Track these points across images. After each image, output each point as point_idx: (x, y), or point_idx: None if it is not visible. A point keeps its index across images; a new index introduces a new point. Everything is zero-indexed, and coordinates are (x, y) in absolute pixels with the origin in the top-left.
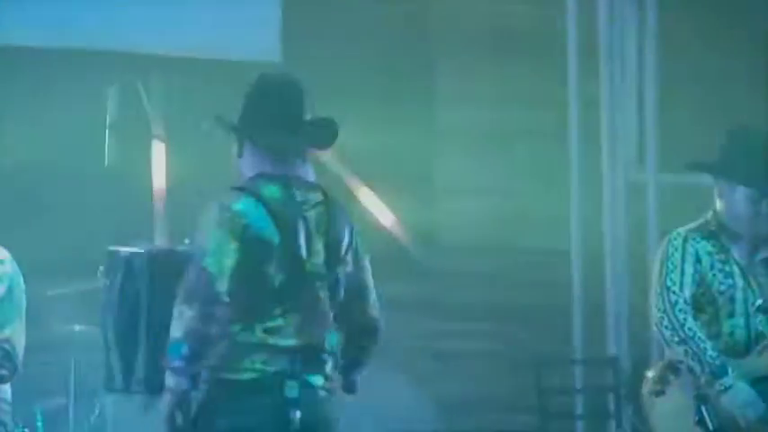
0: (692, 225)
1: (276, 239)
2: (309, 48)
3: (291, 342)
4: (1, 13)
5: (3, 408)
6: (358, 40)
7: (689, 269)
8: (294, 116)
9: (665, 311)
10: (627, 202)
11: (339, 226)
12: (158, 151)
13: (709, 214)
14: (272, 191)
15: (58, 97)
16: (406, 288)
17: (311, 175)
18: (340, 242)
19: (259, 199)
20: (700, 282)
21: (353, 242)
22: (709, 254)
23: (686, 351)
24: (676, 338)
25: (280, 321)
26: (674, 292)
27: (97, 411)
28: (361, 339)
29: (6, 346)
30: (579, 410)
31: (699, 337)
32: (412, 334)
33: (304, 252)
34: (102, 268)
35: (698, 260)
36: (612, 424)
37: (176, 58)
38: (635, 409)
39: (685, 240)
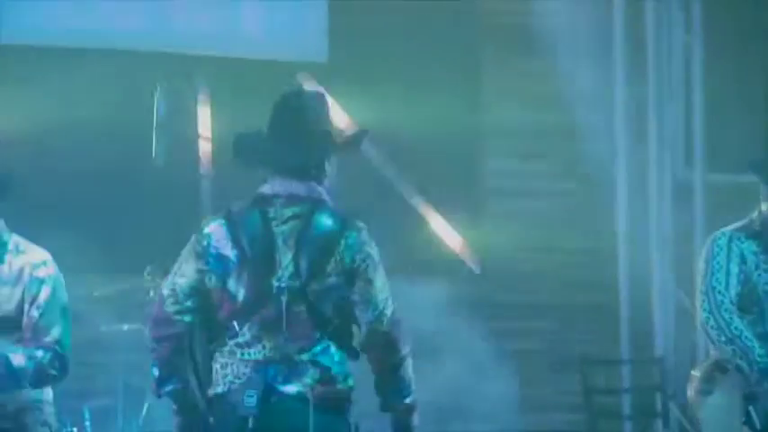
0: (737, 225)
1: (235, 257)
2: (356, 48)
3: (259, 355)
4: (49, 15)
5: (46, 409)
6: (404, 41)
7: (734, 269)
8: (284, 135)
9: (710, 312)
10: (674, 202)
11: (316, 239)
12: (205, 152)
13: (755, 214)
14: (245, 210)
15: (106, 98)
16: (454, 289)
17: (304, 189)
18: (314, 255)
19: (227, 219)
20: (745, 282)
21: (340, 254)
22: (755, 254)
23: (734, 350)
24: (723, 338)
25: (247, 336)
26: (719, 292)
27: (145, 411)
28: (373, 353)
29: (57, 347)
30: (626, 410)
31: (746, 337)
32: (459, 333)
33: (265, 267)
34: (148, 268)
35: (743, 260)
36: (659, 423)
37: (223, 59)
38: (682, 408)
39: (730, 240)
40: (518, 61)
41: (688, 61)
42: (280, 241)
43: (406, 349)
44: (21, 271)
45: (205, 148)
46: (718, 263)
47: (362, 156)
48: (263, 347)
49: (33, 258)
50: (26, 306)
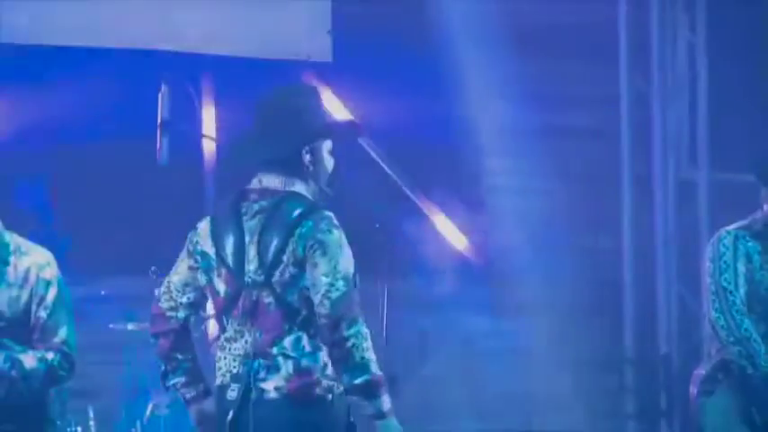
0: (740, 224)
1: (214, 254)
2: (360, 47)
3: (242, 350)
4: (50, 14)
5: (50, 409)
6: (408, 40)
7: (741, 268)
8: (259, 130)
9: (722, 311)
10: (678, 200)
11: (272, 231)
12: (209, 152)
13: (757, 214)
14: (227, 206)
15: (110, 97)
16: (456, 287)
17: (278, 183)
18: (271, 247)
19: (213, 216)
20: (750, 281)
21: (294, 243)
22: (759, 253)
23: (740, 351)
24: (732, 339)
25: (231, 331)
26: (730, 293)
27: (149, 411)
28: (323, 338)
29: (65, 348)
30: (630, 409)
31: (754, 339)
32: (461, 332)
33: (236, 263)
34: (153, 268)
35: (749, 259)
36: (664, 423)
37: (227, 58)
38: (685, 407)
39: (736, 239)
40: (521, 59)
41: (692, 59)
42: (247, 237)
43: (352, 329)
44: (27, 272)
45: (209, 147)
46: (725, 262)
47: (364, 153)
48: (245, 342)
49: (38, 259)
50: (33, 307)
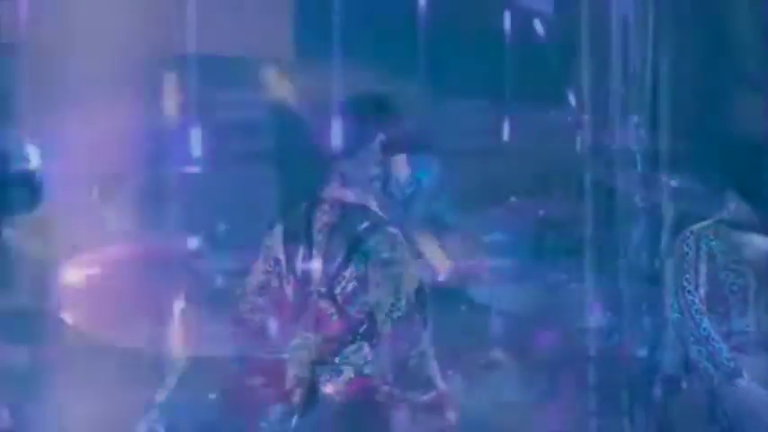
0: (705, 223)
1: (283, 260)
2: (324, 44)
3: (306, 358)
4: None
5: None
6: (378, 39)
7: (703, 268)
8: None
9: (681, 312)
10: (643, 199)
11: (336, 243)
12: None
13: (724, 212)
14: (301, 214)
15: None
16: (440, 287)
17: (349, 195)
18: (334, 259)
19: (285, 221)
20: (712, 280)
21: (357, 259)
22: (723, 253)
23: (700, 351)
24: (692, 339)
25: (297, 339)
26: (689, 292)
27: None
28: (387, 357)
29: None
30: (592, 407)
31: (714, 338)
32: (441, 331)
33: (301, 271)
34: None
35: (712, 259)
36: (626, 422)
37: (194, 56)
38: (648, 407)
39: (699, 239)
40: (486, 61)
41: (656, 60)
42: (315, 247)
43: (414, 349)
44: None
45: None
46: (687, 262)
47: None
48: (309, 351)
49: None
50: None
